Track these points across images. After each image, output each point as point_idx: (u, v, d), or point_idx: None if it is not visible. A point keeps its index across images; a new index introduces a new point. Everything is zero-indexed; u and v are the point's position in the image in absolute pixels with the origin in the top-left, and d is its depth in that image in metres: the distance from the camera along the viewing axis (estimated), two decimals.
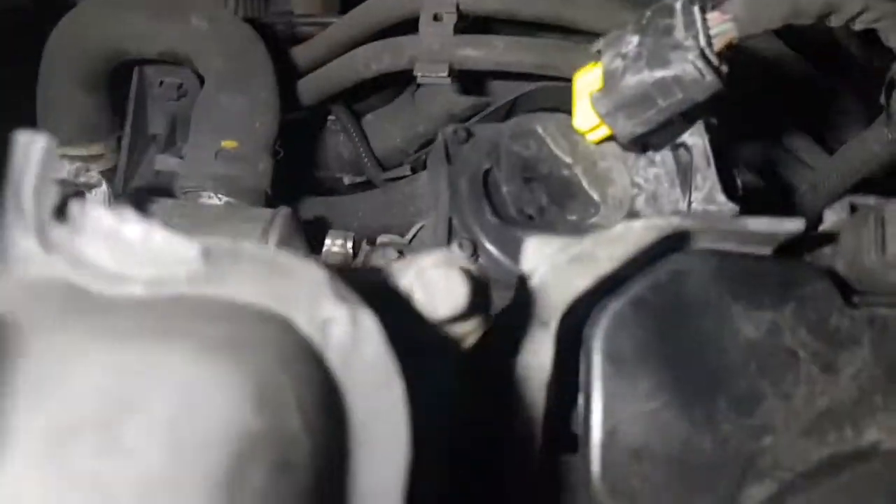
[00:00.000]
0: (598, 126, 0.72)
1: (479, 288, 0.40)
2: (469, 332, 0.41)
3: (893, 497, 0.42)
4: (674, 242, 0.48)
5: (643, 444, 0.45)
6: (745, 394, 0.45)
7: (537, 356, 0.46)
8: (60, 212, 0.36)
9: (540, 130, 0.76)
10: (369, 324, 0.33)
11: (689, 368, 0.46)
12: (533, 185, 0.74)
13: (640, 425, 0.45)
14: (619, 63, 0.69)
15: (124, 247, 0.34)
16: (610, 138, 0.73)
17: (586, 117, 0.72)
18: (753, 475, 0.43)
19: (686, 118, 0.72)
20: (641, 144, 0.75)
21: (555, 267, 0.47)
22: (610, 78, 0.69)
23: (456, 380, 0.42)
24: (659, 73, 0.66)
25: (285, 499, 0.29)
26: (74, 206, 0.36)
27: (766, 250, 0.49)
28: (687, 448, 0.44)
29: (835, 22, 0.68)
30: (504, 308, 0.47)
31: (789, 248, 0.49)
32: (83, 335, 0.31)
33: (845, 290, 0.47)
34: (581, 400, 0.47)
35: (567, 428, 0.49)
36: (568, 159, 0.74)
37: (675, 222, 0.47)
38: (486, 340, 0.43)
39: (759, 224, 0.47)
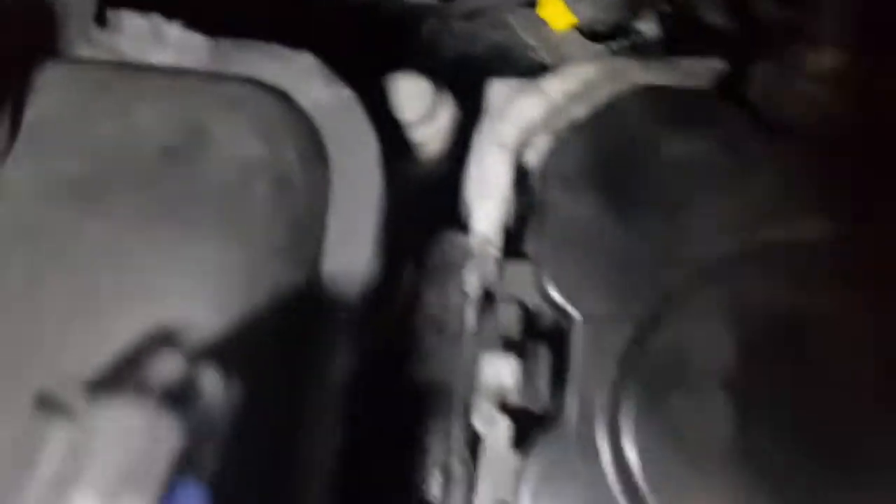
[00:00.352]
0: (562, 13, 0.80)
1: (442, 99, 0.49)
2: (431, 136, 0.50)
3: (795, 280, 0.51)
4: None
5: (585, 244, 0.54)
6: (669, 202, 0.54)
7: (494, 169, 0.55)
8: (100, 19, 0.45)
9: (511, 20, 0.85)
10: (351, 99, 0.42)
11: (623, 183, 0.55)
12: None
13: (582, 230, 0.54)
14: None
15: (152, 41, 0.43)
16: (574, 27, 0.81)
17: (552, 6, 0.80)
18: (674, 262, 0.52)
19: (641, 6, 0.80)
20: (602, 33, 0.83)
21: (511, 99, 0.56)
22: None
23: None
24: None
25: (283, 209, 0.39)
26: (112, 14, 0.45)
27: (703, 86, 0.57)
28: (619, 244, 0.53)
29: None
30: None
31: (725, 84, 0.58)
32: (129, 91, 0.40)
33: (758, 117, 0.56)
34: (535, 213, 0.56)
35: (521, 239, 0.58)
36: (534, 44, 0.83)
37: (617, 62, 0.56)
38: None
39: (687, 63, 0.56)
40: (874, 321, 0.51)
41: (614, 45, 0.83)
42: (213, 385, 0.32)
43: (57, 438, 0.29)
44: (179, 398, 0.31)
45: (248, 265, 0.37)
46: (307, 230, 0.40)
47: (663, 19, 0.81)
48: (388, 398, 0.55)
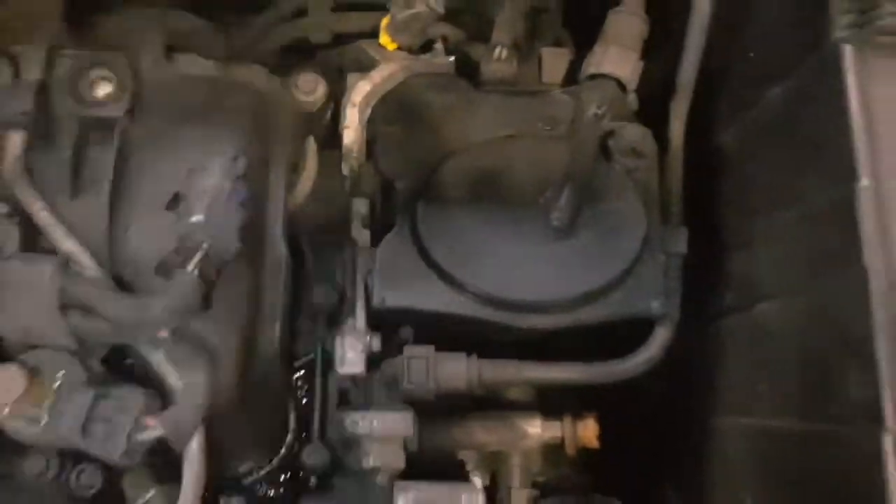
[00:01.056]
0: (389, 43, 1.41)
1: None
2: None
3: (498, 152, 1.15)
4: None
5: (396, 145, 1.15)
6: (430, 123, 1.16)
7: (350, 115, 1.17)
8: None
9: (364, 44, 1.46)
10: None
11: (397, 116, 1.17)
12: None
13: (391, 138, 1.16)
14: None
15: None
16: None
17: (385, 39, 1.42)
18: (437, 149, 1.15)
19: None
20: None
21: (357, 82, 1.18)
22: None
23: None
24: None
25: None
26: None
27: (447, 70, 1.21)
28: (411, 143, 1.15)
29: None
30: None
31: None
32: None
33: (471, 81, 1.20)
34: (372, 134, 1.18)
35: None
36: (374, 55, 1.44)
37: (408, 63, 1.19)
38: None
39: (440, 61, 1.19)
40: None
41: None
42: None
43: None
44: None
45: None
46: None
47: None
48: None
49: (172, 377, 0.86)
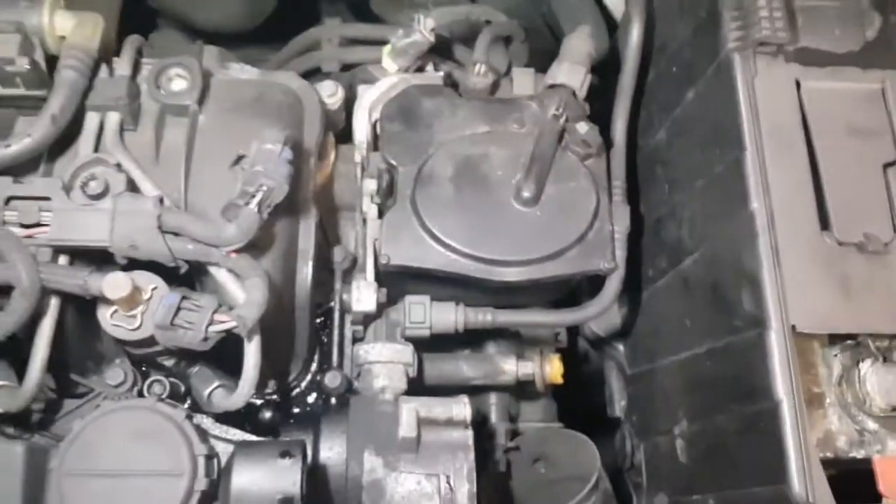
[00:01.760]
0: (391, 64, 1.73)
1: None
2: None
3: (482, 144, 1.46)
4: None
5: (399, 139, 1.46)
6: (425, 121, 1.47)
7: (361, 116, 1.47)
8: None
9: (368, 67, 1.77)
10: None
11: (409, 116, 1.48)
12: None
13: (396, 133, 1.46)
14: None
15: None
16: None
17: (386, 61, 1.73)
18: (432, 142, 1.45)
19: None
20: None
21: (367, 90, 1.49)
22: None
23: None
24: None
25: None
26: None
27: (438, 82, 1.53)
28: (410, 137, 1.46)
29: None
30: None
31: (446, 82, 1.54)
32: None
33: (456, 89, 1.51)
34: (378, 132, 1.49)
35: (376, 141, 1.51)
36: (377, 75, 1.76)
37: (407, 77, 1.50)
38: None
39: (431, 75, 1.51)
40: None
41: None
42: None
43: None
44: None
45: None
46: None
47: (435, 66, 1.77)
48: None
49: (235, 287, 1.14)
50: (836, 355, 1.19)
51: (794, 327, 1.13)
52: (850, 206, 1.19)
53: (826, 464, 1.10)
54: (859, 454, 1.15)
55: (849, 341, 1.18)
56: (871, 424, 1.15)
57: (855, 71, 1.26)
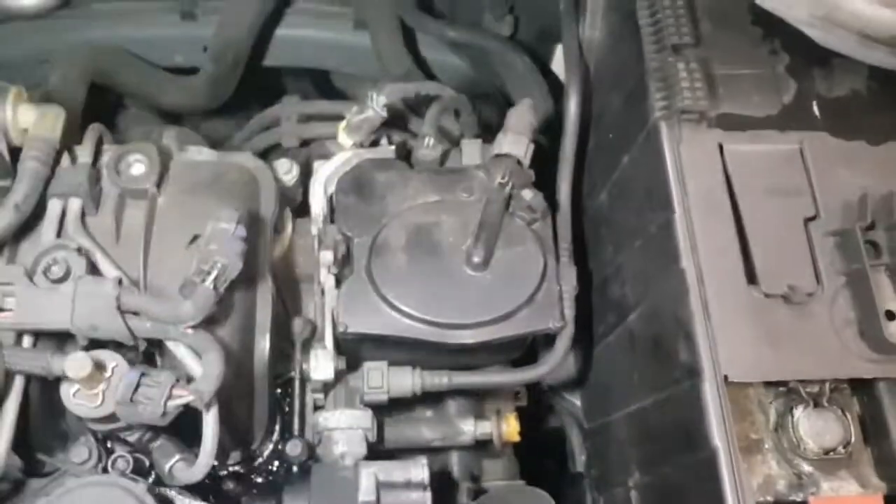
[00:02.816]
0: (345, 140, 1.81)
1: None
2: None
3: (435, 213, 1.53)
4: None
5: (352, 212, 1.53)
6: (377, 194, 1.54)
7: (316, 190, 1.54)
8: None
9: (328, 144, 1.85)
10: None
11: (362, 189, 1.55)
12: None
13: (349, 207, 1.53)
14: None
15: None
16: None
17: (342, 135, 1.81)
18: (384, 213, 1.52)
19: None
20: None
21: (321, 166, 1.57)
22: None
23: None
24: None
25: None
26: None
27: (390, 156, 1.60)
28: (362, 209, 1.53)
29: None
30: None
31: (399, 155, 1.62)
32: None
33: (407, 160, 1.59)
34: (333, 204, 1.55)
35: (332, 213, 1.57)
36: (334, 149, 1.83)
37: (361, 152, 1.58)
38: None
39: (384, 149, 1.59)
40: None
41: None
42: None
43: None
44: None
45: None
46: None
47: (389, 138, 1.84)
48: None
49: (193, 361, 1.19)
50: (770, 402, 1.25)
51: (726, 377, 1.19)
52: (775, 260, 1.26)
53: None
54: (798, 497, 1.20)
55: (781, 388, 1.24)
56: (807, 467, 1.21)
57: (774, 133, 1.34)
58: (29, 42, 2.03)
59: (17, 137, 1.29)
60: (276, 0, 2.04)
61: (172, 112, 2.11)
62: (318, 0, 2.14)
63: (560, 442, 1.86)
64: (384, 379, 1.47)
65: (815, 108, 1.37)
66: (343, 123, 1.68)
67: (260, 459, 1.42)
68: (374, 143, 1.71)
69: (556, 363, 1.50)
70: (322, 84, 2.27)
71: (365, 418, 1.42)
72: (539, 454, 1.79)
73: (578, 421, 1.77)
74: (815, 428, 1.21)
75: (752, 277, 1.25)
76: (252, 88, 2.17)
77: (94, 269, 1.23)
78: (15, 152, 1.29)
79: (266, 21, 2.04)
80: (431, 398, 1.57)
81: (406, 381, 1.48)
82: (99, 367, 1.15)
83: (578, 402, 1.78)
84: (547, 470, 1.77)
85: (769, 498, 1.20)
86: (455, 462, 1.63)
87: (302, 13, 2.12)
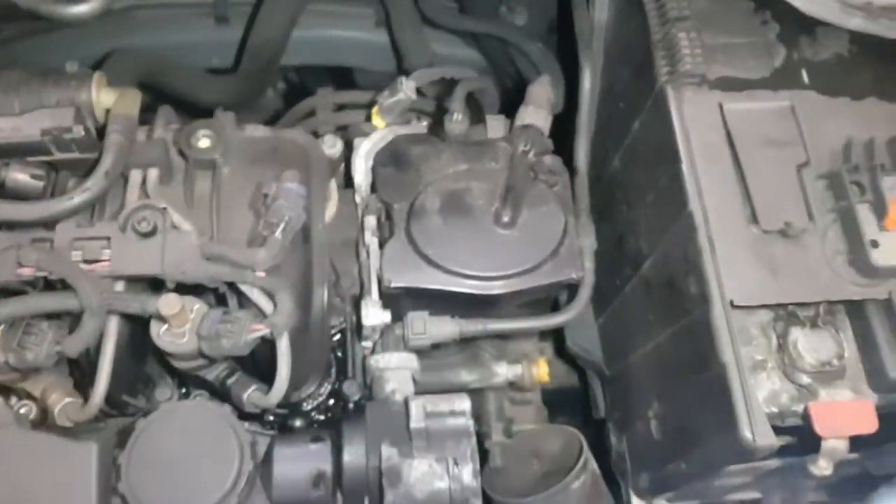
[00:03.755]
0: (380, 122, 1.98)
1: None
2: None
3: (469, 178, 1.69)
4: None
5: (391, 182, 1.70)
6: (413, 164, 1.71)
7: (359, 163, 1.72)
8: None
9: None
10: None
11: (399, 160, 1.72)
12: None
13: (389, 178, 1.70)
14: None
15: None
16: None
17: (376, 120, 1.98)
18: (422, 181, 1.69)
19: None
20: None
21: (362, 142, 1.74)
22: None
23: None
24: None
25: None
26: None
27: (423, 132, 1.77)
28: (402, 178, 1.69)
29: None
30: None
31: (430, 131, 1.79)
32: None
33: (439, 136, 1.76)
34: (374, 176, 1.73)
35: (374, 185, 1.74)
36: (368, 130, 2.00)
37: (396, 129, 1.76)
38: None
39: (417, 125, 1.76)
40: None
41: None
42: None
43: None
44: None
45: None
46: None
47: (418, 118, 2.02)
48: None
49: (265, 302, 1.36)
50: (772, 327, 1.42)
51: (732, 302, 1.35)
52: (772, 202, 1.42)
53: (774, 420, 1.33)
54: (799, 407, 1.36)
55: (780, 312, 1.41)
56: (806, 380, 1.37)
57: (767, 93, 1.51)
58: (79, 48, 2.21)
59: (100, 115, 1.47)
60: (303, 2, 2.22)
61: (209, 108, 2.30)
62: (340, 1, 2.31)
63: (582, 395, 2.02)
64: (426, 326, 1.63)
65: (803, 71, 1.53)
66: (376, 107, 1.85)
67: (320, 398, 1.59)
68: (406, 123, 1.89)
69: (580, 309, 1.67)
70: (344, 81, 2.44)
71: (411, 360, 1.59)
72: (563, 405, 1.95)
73: (599, 370, 1.93)
74: (812, 344, 1.37)
75: (752, 217, 1.41)
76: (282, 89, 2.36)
77: (174, 227, 1.40)
78: (98, 129, 1.47)
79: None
80: (467, 345, 1.74)
81: (446, 327, 1.64)
82: (185, 307, 1.32)
83: (599, 354, 1.94)
84: (571, 419, 1.93)
85: (774, 409, 1.36)
86: (490, 401, 1.79)
87: (325, 14, 2.30)
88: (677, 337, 1.50)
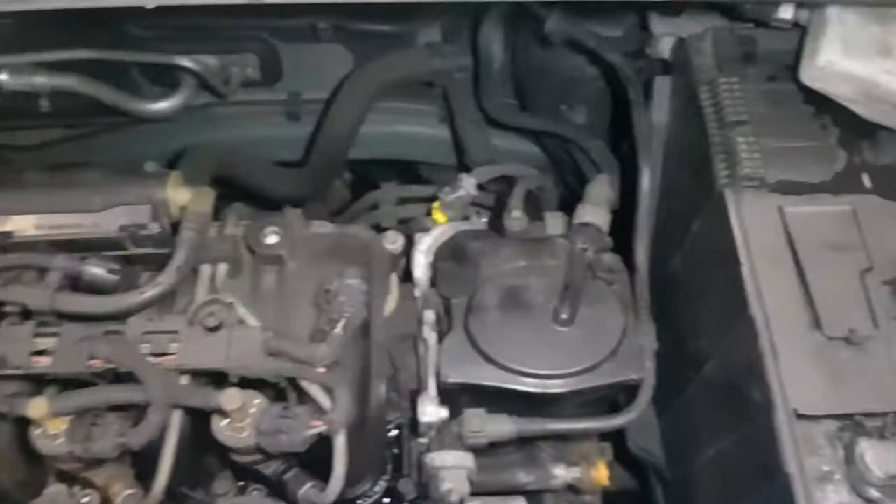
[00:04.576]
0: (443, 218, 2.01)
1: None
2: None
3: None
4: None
5: (454, 278, 1.72)
6: (474, 261, 1.74)
7: (419, 260, 1.75)
8: None
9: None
10: None
11: (462, 257, 1.75)
12: None
13: (449, 271, 1.73)
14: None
15: None
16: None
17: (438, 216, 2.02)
18: (477, 277, 1.71)
19: None
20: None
21: (421, 238, 1.78)
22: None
23: None
24: None
25: None
26: None
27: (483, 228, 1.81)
28: (460, 274, 1.72)
29: None
30: None
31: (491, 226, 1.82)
32: None
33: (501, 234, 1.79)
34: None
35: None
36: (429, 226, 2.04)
37: (459, 225, 1.79)
38: None
39: (478, 220, 1.80)
40: None
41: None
42: None
43: None
44: None
45: None
46: None
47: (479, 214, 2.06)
48: None
49: (324, 398, 1.38)
50: (838, 437, 1.38)
51: (796, 410, 1.32)
52: (835, 307, 1.40)
53: None
54: None
55: (847, 422, 1.37)
56: (875, 493, 1.32)
57: (828, 196, 1.51)
58: (158, 142, 2.33)
59: (175, 212, 1.53)
60: (372, 99, 2.31)
61: (281, 201, 2.37)
62: (407, 100, 2.39)
63: (643, 499, 1.98)
64: (483, 424, 1.63)
65: (865, 175, 1.53)
66: (437, 203, 1.90)
67: (375, 495, 1.59)
68: (466, 219, 1.92)
69: (640, 410, 1.64)
70: (408, 174, 2.51)
71: (467, 459, 1.58)
72: None
73: (660, 473, 1.89)
74: (881, 457, 1.32)
75: (816, 323, 1.39)
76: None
77: (239, 322, 1.44)
78: (172, 225, 1.54)
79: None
80: (524, 445, 1.73)
81: (504, 426, 1.63)
82: (246, 402, 1.35)
83: (660, 455, 1.90)
84: None
85: None
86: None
87: (391, 111, 2.38)
88: (741, 444, 1.47)
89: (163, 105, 2.22)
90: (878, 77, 1.39)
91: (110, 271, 1.46)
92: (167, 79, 2.13)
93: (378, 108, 2.33)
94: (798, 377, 1.35)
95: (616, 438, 1.95)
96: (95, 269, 1.46)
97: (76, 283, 1.46)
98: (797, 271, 1.44)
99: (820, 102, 1.54)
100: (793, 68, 1.55)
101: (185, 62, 2.00)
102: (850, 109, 1.47)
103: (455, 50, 2.21)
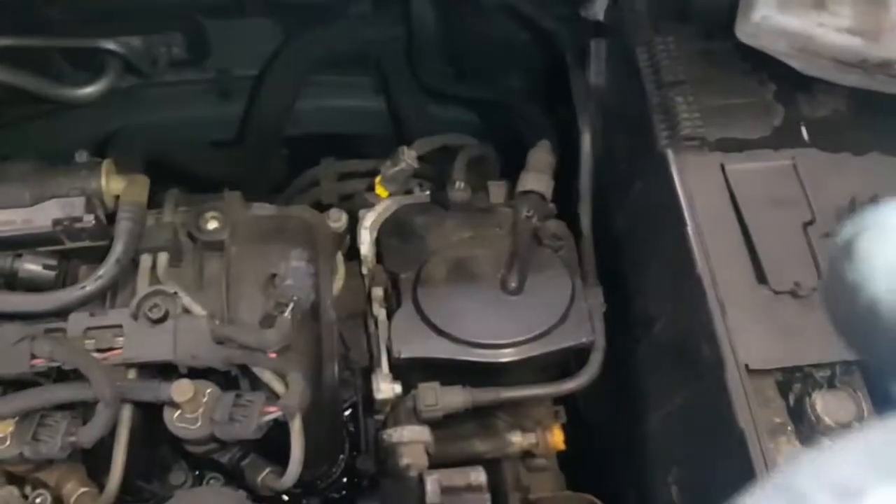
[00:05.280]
0: (384, 193, 1.99)
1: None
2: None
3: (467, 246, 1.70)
4: None
5: (397, 254, 1.71)
6: (416, 234, 1.72)
7: (364, 236, 1.73)
8: None
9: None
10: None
11: (402, 232, 1.73)
12: None
13: (393, 248, 1.71)
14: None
15: None
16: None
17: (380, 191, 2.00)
18: (426, 252, 1.69)
19: None
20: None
21: (367, 212, 1.75)
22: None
23: None
24: None
25: None
26: None
27: (425, 200, 1.79)
28: (405, 250, 1.70)
29: None
30: None
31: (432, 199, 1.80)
32: None
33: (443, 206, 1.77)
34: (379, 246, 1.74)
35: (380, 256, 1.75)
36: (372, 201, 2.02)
37: (400, 199, 1.77)
38: None
39: (420, 195, 1.78)
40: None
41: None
42: None
43: None
44: None
45: None
46: None
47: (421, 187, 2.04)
48: None
49: (277, 383, 1.35)
50: (789, 389, 1.41)
51: (746, 366, 1.34)
52: (780, 262, 1.42)
53: None
54: None
55: (797, 374, 1.40)
56: (826, 442, 1.35)
57: (768, 152, 1.53)
58: (86, 128, 2.24)
59: (110, 203, 1.48)
60: (304, 74, 2.25)
61: (217, 182, 2.31)
62: (339, 73, 2.35)
63: (600, 460, 2.00)
64: (437, 397, 1.62)
65: (803, 128, 1.55)
66: (379, 177, 1.87)
67: (334, 475, 1.57)
68: (408, 192, 1.90)
69: (593, 373, 1.66)
70: (347, 149, 2.47)
71: (424, 433, 1.58)
72: (581, 474, 1.93)
73: (615, 435, 1.91)
74: (831, 406, 1.36)
75: (761, 278, 1.41)
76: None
77: (185, 311, 1.40)
78: (108, 216, 1.48)
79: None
80: (479, 414, 1.73)
81: (457, 397, 1.63)
82: (198, 392, 1.31)
83: (613, 417, 1.92)
84: (589, 484, 1.91)
85: None
86: (505, 472, 1.78)
87: (325, 84, 2.33)
88: (693, 402, 1.49)
89: (88, 90, 2.12)
90: (813, 30, 1.40)
91: (46, 267, 1.41)
92: (92, 63, 2.04)
93: (312, 82, 2.28)
94: (747, 333, 1.37)
95: (567, 402, 1.96)
96: (31, 266, 1.40)
97: (12, 282, 1.40)
98: (741, 228, 1.45)
99: (756, 58, 1.55)
100: (728, 25, 1.56)
101: (109, 45, 1.92)
102: (786, 64, 1.48)
103: (387, 20, 2.17)
